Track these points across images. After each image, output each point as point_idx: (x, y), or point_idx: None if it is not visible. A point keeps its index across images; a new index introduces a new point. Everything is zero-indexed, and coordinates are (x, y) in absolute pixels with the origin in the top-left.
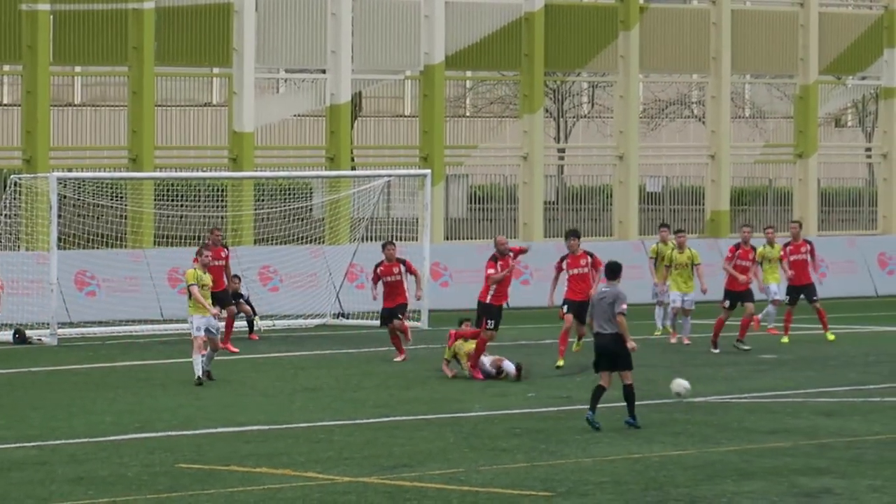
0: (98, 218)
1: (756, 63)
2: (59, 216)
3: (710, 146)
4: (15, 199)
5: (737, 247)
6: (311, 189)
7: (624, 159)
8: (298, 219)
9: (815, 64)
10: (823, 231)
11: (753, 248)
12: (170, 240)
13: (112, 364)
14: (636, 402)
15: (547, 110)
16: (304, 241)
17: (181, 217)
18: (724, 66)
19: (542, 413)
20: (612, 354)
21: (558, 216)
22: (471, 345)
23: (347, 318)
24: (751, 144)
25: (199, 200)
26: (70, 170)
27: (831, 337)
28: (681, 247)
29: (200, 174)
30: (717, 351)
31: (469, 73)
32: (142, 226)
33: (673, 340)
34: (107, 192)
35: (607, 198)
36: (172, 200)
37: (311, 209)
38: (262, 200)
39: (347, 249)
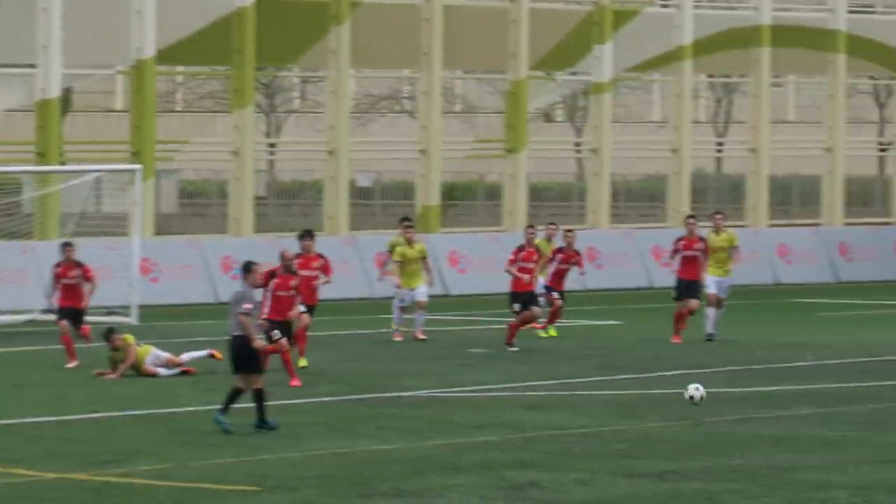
0: None
1: (467, 59)
2: None
3: (420, 141)
4: None
5: (520, 248)
6: (20, 184)
7: (335, 154)
8: (7, 214)
9: (525, 60)
10: None
11: (538, 249)
12: None
13: None
14: (268, 404)
15: (258, 105)
16: (14, 236)
17: None
18: (436, 61)
19: (250, 409)
20: (242, 357)
21: (269, 211)
22: (144, 349)
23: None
24: (462, 140)
25: None
26: None
27: (553, 333)
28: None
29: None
30: (515, 349)
31: (181, 68)
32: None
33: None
34: None
35: (318, 193)
36: None
37: (20, 204)
38: None
39: (57, 245)
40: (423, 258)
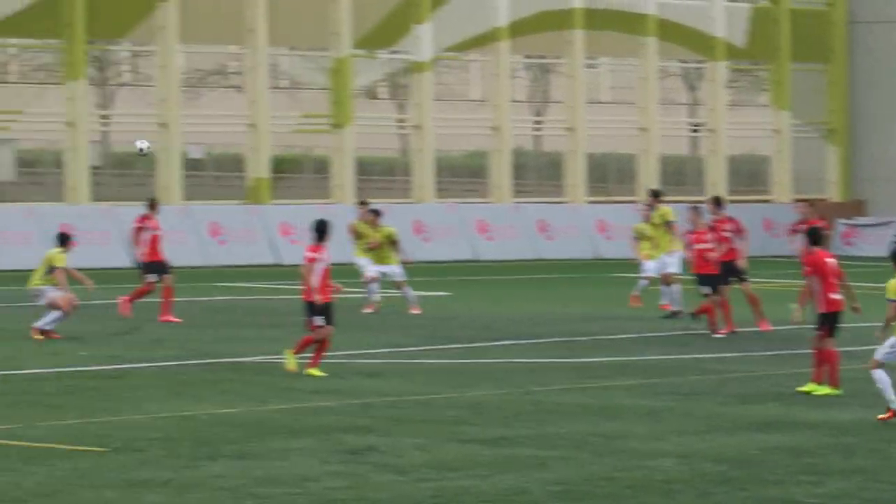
0: None
1: (292, 36)
2: None
3: (249, 115)
4: None
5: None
6: None
7: (166, 127)
8: None
9: (347, 38)
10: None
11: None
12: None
13: None
14: None
15: (91, 78)
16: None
17: None
18: (261, 38)
19: (94, 371)
20: None
21: (105, 180)
22: None
23: None
24: (289, 115)
25: None
26: None
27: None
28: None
29: None
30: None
31: (14, 41)
32: None
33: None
34: None
35: (151, 163)
36: None
37: None
38: None
39: None
40: (394, 241)
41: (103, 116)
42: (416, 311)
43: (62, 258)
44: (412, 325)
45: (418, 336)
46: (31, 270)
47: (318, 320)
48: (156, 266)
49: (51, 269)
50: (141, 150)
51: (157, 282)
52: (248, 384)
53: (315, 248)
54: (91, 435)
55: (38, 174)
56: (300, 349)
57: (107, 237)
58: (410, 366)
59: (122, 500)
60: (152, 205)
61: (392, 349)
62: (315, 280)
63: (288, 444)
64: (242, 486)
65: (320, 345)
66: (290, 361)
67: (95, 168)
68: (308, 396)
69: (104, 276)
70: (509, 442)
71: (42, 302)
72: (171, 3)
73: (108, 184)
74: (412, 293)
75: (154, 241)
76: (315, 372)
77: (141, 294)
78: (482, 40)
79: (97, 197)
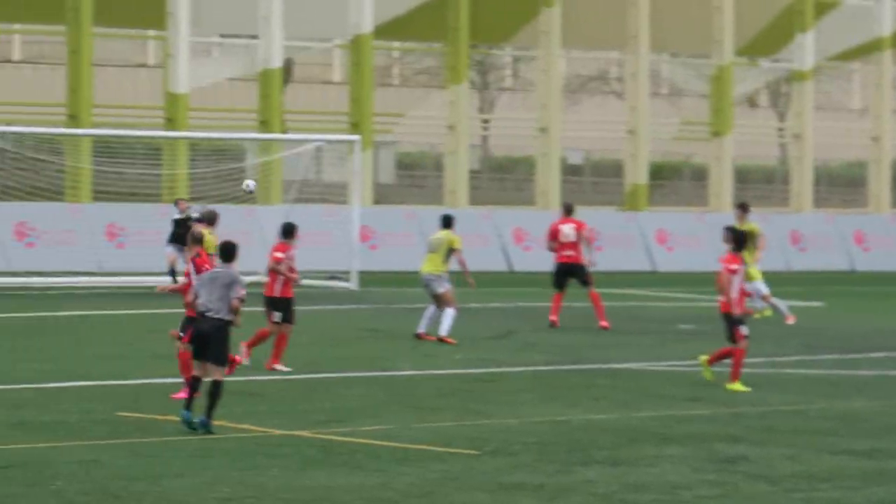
0: (38, 172)
1: (674, 42)
2: (0, 169)
3: (628, 121)
4: None
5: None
6: (244, 151)
7: (546, 132)
8: (231, 179)
9: (729, 45)
10: None
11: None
12: (108, 195)
13: (51, 313)
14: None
15: (472, 82)
16: (237, 200)
17: (118, 174)
18: (643, 44)
19: (468, 374)
20: (212, 343)
21: (483, 184)
22: None
23: None
24: (668, 121)
25: (135, 158)
26: (10, 124)
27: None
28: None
29: (136, 132)
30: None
31: (397, 44)
32: (80, 181)
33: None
34: (46, 147)
35: (530, 168)
36: (110, 157)
37: (244, 170)
38: (197, 160)
39: (279, 210)
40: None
41: (484, 121)
42: (790, 322)
43: (459, 240)
44: (784, 336)
45: (790, 346)
46: (408, 272)
47: (744, 330)
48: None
49: (450, 252)
50: (250, 190)
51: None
52: (622, 390)
53: (733, 259)
54: (464, 437)
55: (417, 177)
56: (716, 359)
57: (485, 240)
58: (783, 376)
59: (493, 503)
60: (568, 210)
61: (764, 358)
62: (734, 292)
63: (660, 450)
64: (614, 493)
65: (736, 357)
66: (706, 371)
67: (474, 172)
68: (681, 404)
69: (483, 278)
70: (882, 454)
71: (438, 289)
72: (556, 7)
73: (486, 187)
74: (782, 303)
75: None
76: (737, 387)
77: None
78: (865, 49)
79: (475, 200)
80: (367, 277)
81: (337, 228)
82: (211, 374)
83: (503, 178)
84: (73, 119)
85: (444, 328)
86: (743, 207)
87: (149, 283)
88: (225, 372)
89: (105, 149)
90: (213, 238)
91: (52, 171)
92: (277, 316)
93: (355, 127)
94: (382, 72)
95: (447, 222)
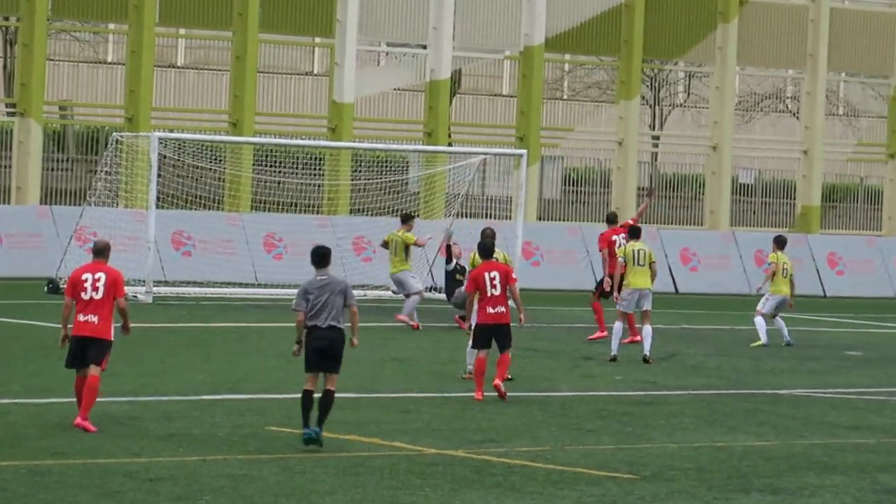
0: (197, 180)
1: (852, 62)
2: (159, 176)
3: (803, 141)
4: (116, 156)
5: None
6: (407, 162)
7: (718, 150)
8: (394, 191)
9: None
10: None
11: None
12: (267, 205)
13: (206, 324)
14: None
15: (643, 97)
16: (399, 213)
17: (279, 183)
18: (821, 63)
19: (628, 397)
20: (331, 353)
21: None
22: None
23: (439, 292)
24: (843, 142)
25: (297, 168)
26: (171, 130)
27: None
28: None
29: (299, 142)
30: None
31: (567, 56)
32: (240, 189)
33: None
34: (206, 154)
35: (700, 187)
36: (271, 166)
37: (406, 182)
38: (359, 171)
39: (442, 224)
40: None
41: (654, 137)
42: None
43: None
44: None
45: None
46: (570, 290)
47: None
48: None
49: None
50: (451, 235)
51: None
52: (785, 417)
53: None
54: (621, 461)
55: (583, 193)
56: None
57: None
58: None
59: None
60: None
61: None
62: None
63: (821, 480)
64: None
65: None
66: None
67: (642, 189)
68: (845, 432)
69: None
70: None
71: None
72: (732, 24)
73: (653, 206)
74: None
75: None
76: None
77: None
78: None
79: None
80: (528, 295)
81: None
82: (327, 383)
83: (671, 197)
84: (236, 126)
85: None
86: None
87: None
88: None
89: (266, 157)
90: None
91: (212, 180)
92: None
93: (522, 140)
94: (552, 85)
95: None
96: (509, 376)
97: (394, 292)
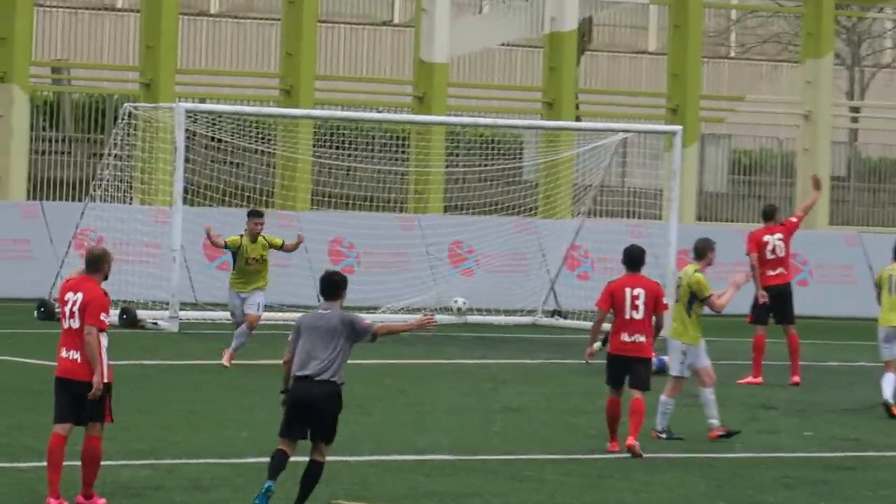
0: (237, 166)
1: None
2: (187, 161)
3: None
4: (128, 135)
5: None
6: (521, 143)
7: None
8: (504, 182)
9: None
10: None
11: None
12: (332, 201)
13: (249, 361)
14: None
15: (838, 55)
16: (511, 210)
17: (348, 171)
18: None
19: (821, 459)
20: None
21: (849, 196)
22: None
23: (565, 318)
24: None
25: (372, 150)
26: (202, 100)
27: None
28: None
29: (375, 115)
30: None
31: (735, 1)
32: (295, 179)
33: None
34: (250, 132)
35: None
36: (336, 148)
37: (520, 170)
38: (456, 155)
39: (568, 226)
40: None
41: (853, 109)
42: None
43: None
44: None
45: None
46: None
47: None
48: None
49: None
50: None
51: None
52: None
53: None
54: None
55: (757, 184)
56: None
57: (849, 273)
58: None
59: None
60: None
61: None
62: None
63: None
64: None
65: None
66: None
67: (838, 179)
68: None
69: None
70: None
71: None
72: None
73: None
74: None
75: None
76: None
77: None
78: None
79: (838, 218)
80: None
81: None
82: (315, 452)
83: (876, 189)
84: (289, 95)
85: None
86: None
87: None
88: None
89: (330, 137)
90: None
91: (258, 166)
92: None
93: (675, 113)
94: (714, 39)
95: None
96: (680, 436)
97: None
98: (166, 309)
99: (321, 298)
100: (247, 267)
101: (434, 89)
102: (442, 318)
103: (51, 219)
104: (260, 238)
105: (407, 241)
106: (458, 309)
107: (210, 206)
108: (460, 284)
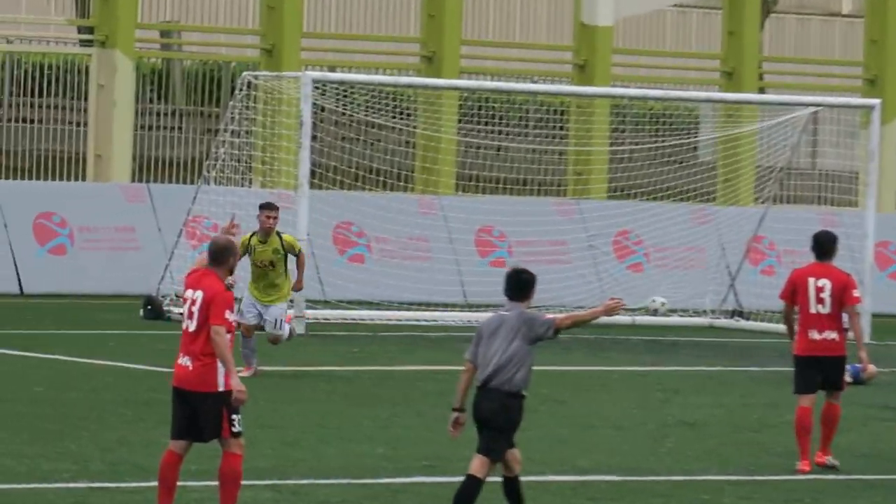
0: (372, 145)
1: None
2: (314, 138)
3: None
4: (247, 108)
5: None
6: (696, 118)
7: None
8: (676, 163)
9: None
10: None
11: None
12: (480, 184)
13: (386, 367)
14: None
15: None
16: (684, 196)
17: (498, 150)
18: None
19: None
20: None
21: None
22: None
23: (746, 319)
24: None
25: (525, 127)
26: (332, 69)
27: None
28: None
29: (529, 86)
30: None
31: None
32: (438, 161)
33: None
34: (387, 106)
35: None
36: (485, 124)
37: (695, 149)
38: (622, 131)
39: (750, 214)
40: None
41: None
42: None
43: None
44: None
45: None
46: None
47: None
48: None
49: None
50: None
51: None
52: None
53: None
54: None
55: None
56: None
57: None
58: None
59: None
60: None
61: None
62: None
63: None
64: None
65: None
66: None
67: None
68: None
69: None
70: None
71: None
72: None
73: None
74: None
75: None
76: None
77: None
78: None
79: None
80: (883, 324)
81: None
82: (509, 468)
83: None
84: (431, 63)
85: None
86: None
87: None
88: None
89: (478, 111)
90: None
91: (396, 145)
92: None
93: (873, 85)
94: None
95: None
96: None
97: None
98: (290, 307)
99: (506, 299)
100: (258, 271)
101: (597, 56)
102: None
103: (158, 204)
104: (273, 238)
105: (565, 230)
106: (656, 310)
107: (340, 190)
108: (628, 280)
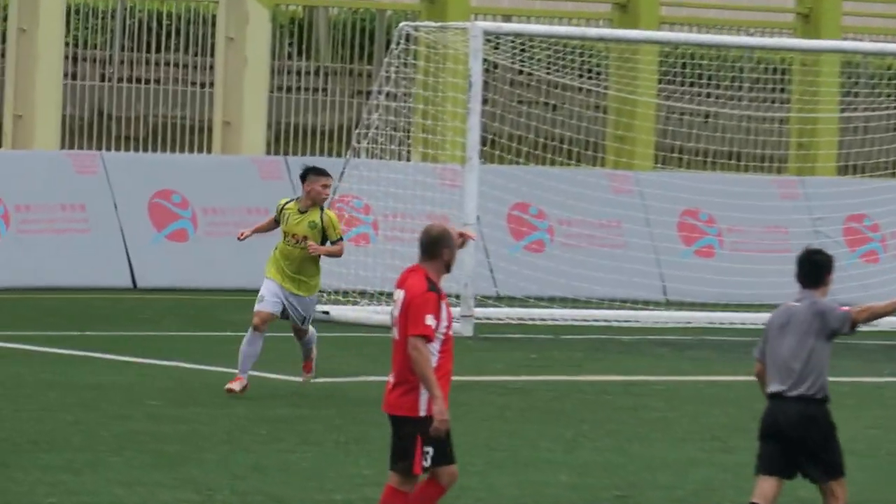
0: (555, 109)
1: None
2: (486, 102)
3: None
4: (405, 66)
5: None
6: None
7: None
8: None
9: None
10: None
11: None
12: (682, 157)
13: (572, 377)
14: None
15: None
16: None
17: (706, 118)
18: None
19: None
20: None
21: None
22: None
23: None
24: None
25: (739, 89)
26: (507, 18)
27: None
28: None
29: (745, 40)
30: None
31: None
32: (633, 128)
33: None
34: (573, 63)
35: None
36: (690, 86)
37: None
38: (855, 95)
39: None
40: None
41: None
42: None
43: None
44: None
45: None
46: None
47: None
48: None
49: None
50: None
51: None
52: None
53: None
54: None
55: None
56: None
57: None
58: None
59: None
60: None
61: None
62: None
63: None
64: None
65: None
66: None
67: None
68: None
69: None
70: None
71: None
72: None
73: None
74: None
75: None
76: None
77: None
78: None
79: None
80: None
81: None
82: (831, 495)
83: None
84: (625, 10)
85: None
86: None
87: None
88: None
89: (683, 70)
90: None
91: (582, 109)
92: None
93: None
94: None
95: None
96: None
97: None
98: (457, 304)
99: (797, 286)
100: (288, 248)
101: (823, 4)
102: None
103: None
104: (312, 212)
105: (786, 214)
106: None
107: (517, 162)
108: (858, 273)
